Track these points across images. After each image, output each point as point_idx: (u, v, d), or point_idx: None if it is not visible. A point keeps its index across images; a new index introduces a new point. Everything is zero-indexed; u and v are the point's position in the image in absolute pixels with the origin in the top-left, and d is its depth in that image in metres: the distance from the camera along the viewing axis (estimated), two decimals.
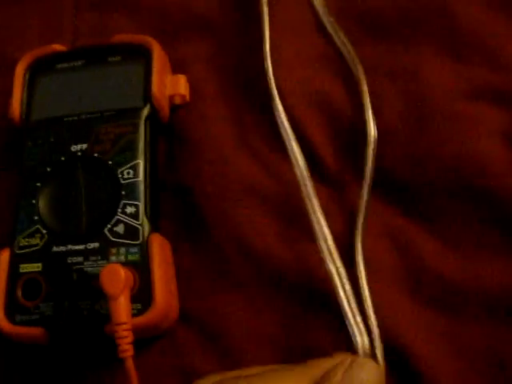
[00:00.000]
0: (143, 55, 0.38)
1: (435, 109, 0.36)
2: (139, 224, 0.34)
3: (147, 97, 0.37)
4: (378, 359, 0.30)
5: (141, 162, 0.35)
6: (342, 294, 0.32)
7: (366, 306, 0.32)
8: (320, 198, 0.34)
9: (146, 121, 0.36)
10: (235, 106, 0.39)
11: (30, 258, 0.34)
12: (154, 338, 0.34)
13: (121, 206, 0.34)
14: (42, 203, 0.35)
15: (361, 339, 0.31)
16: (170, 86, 0.38)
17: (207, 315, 0.34)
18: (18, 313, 0.33)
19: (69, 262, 0.33)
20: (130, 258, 0.33)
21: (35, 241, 0.34)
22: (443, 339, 0.32)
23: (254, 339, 0.33)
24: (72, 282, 0.33)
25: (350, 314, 0.31)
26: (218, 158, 0.37)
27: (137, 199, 0.34)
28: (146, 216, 0.34)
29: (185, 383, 0.33)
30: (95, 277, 0.32)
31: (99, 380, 0.33)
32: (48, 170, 0.36)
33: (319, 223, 0.33)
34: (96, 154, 0.35)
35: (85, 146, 0.36)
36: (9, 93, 0.38)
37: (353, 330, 0.31)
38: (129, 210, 0.34)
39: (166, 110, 0.38)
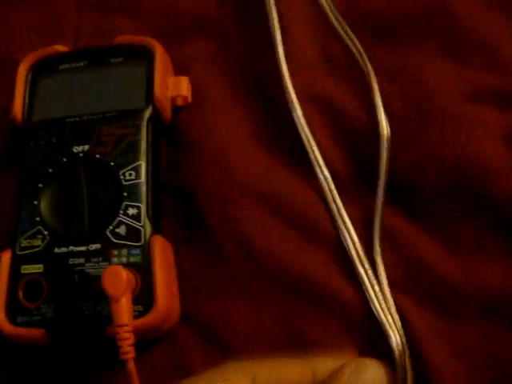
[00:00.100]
0: (145, 56, 0.38)
1: (436, 110, 0.36)
2: (141, 225, 0.34)
3: (149, 98, 0.37)
4: (405, 360, 0.31)
5: (143, 164, 0.35)
6: (372, 294, 0.33)
7: (389, 306, 0.32)
8: None
9: (148, 122, 0.36)
10: (237, 108, 0.39)
11: (31, 259, 0.34)
12: (155, 340, 0.34)
13: (123, 207, 0.34)
14: (43, 204, 0.35)
15: (395, 339, 0.31)
16: (172, 87, 0.38)
17: (208, 316, 0.34)
18: (19, 314, 0.33)
19: (70, 263, 0.33)
20: (132, 259, 0.33)
21: (37, 242, 0.34)
22: (443, 341, 0.32)
23: (255, 340, 0.33)
24: (73, 284, 0.33)
25: (382, 315, 0.32)
26: (219, 159, 0.37)
27: (139, 201, 0.34)
28: (148, 217, 0.34)
29: None
30: (97, 278, 0.32)
31: (100, 382, 0.33)
32: (50, 170, 0.35)
33: (347, 227, 0.34)
34: (98, 156, 0.35)
35: (87, 147, 0.36)
36: (11, 93, 0.38)
37: (386, 329, 0.32)
38: (131, 211, 0.34)
39: (168, 112, 0.38)
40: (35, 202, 0.35)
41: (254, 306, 0.34)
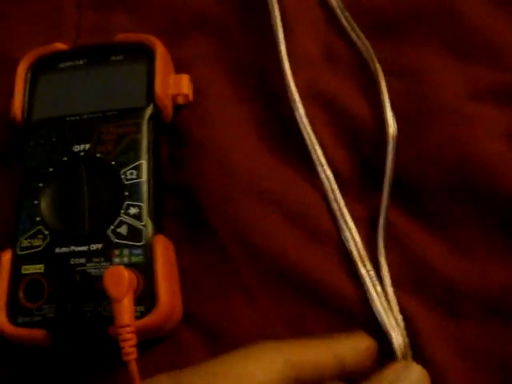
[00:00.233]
0: (146, 54, 0.37)
1: (440, 109, 0.36)
2: (143, 225, 0.33)
3: (150, 96, 0.36)
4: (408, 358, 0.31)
5: (144, 163, 0.35)
6: (374, 295, 0.32)
7: (391, 306, 0.32)
8: None
9: (149, 121, 0.36)
10: (239, 106, 0.38)
11: (32, 259, 0.34)
12: (158, 340, 0.34)
13: (124, 206, 0.34)
14: (44, 204, 0.35)
15: (397, 340, 0.31)
16: (173, 85, 0.38)
17: (211, 316, 0.34)
18: (20, 314, 0.33)
19: (71, 263, 0.33)
20: (134, 259, 0.33)
21: (37, 242, 0.34)
22: (446, 341, 0.32)
23: (258, 339, 0.33)
24: (75, 284, 0.33)
25: (384, 315, 0.32)
26: (221, 158, 0.37)
27: (140, 200, 0.34)
28: (150, 217, 0.34)
29: None
30: (98, 278, 0.31)
31: (102, 383, 0.33)
32: (50, 170, 0.35)
33: (348, 227, 0.34)
34: (99, 155, 0.35)
35: (87, 146, 0.35)
36: (11, 92, 0.38)
37: (388, 330, 0.32)
38: (132, 210, 0.34)
39: (169, 110, 0.37)
40: (35, 202, 0.35)
41: (257, 305, 0.34)
